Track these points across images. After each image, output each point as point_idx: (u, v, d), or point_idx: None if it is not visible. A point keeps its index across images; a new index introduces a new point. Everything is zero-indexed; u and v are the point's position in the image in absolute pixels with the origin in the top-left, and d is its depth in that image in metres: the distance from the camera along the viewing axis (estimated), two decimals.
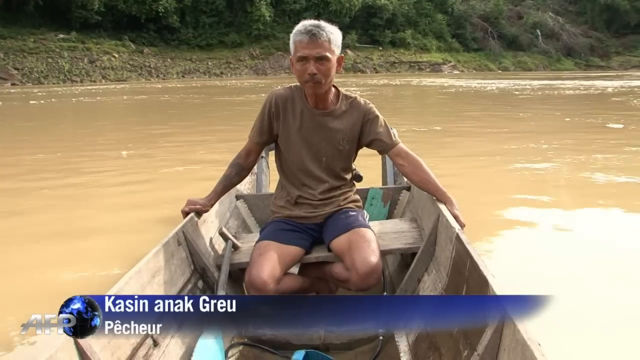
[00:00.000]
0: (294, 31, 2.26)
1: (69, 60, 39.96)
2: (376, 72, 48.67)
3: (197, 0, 47.62)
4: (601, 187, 5.98)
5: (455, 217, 2.27)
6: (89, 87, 32.70)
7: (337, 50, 2.27)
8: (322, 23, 2.24)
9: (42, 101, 21.10)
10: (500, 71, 53.55)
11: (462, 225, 2.20)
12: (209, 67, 46.73)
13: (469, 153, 8.07)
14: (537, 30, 59.75)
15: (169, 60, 45.74)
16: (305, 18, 2.30)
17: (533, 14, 61.52)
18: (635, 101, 17.28)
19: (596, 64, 59.06)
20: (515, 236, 4.31)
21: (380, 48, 52.13)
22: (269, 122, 2.44)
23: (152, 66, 44.06)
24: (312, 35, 2.18)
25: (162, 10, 44.34)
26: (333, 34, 2.23)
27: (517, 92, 22.51)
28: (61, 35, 41.10)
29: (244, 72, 47.30)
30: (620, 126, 10.91)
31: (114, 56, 42.36)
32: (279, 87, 2.50)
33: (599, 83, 28.31)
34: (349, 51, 47.14)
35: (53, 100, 21.80)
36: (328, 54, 2.21)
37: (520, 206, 5.09)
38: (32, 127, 12.87)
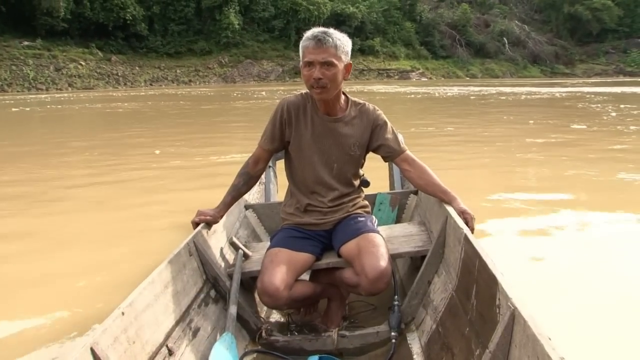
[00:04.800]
0: (302, 38, 2.30)
1: (34, 68, 39.35)
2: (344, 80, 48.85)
3: (165, 8, 47.49)
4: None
5: (463, 212, 2.31)
6: (56, 95, 32.12)
7: (345, 57, 2.29)
8: (330, 30, 2.28)
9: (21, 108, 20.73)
10: (468, 78, 54.43)
11: (472, 229, 2.22)
12: (178, 75, 46.52)
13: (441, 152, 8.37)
14: (504, 38, 61.17)
15: (137, 68, 45.37)
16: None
17: (500, 22, 62.98)
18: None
19: (561, 72, 60.73)
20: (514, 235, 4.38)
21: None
22: (281, 129, 2.45)
23: (119, 74, 43.66)
24: (318, 41, 2.22)
25: (130, 18, 44.04)
26: (340, 40, 2.26)
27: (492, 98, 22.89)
28: (26, 43, 40.41)
29: (212, 79, 47.22)
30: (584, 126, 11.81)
31: (80, 64, 41.81)
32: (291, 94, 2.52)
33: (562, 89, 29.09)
34: None
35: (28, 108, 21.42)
36: (333, 60, 2.23)
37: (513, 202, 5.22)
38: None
